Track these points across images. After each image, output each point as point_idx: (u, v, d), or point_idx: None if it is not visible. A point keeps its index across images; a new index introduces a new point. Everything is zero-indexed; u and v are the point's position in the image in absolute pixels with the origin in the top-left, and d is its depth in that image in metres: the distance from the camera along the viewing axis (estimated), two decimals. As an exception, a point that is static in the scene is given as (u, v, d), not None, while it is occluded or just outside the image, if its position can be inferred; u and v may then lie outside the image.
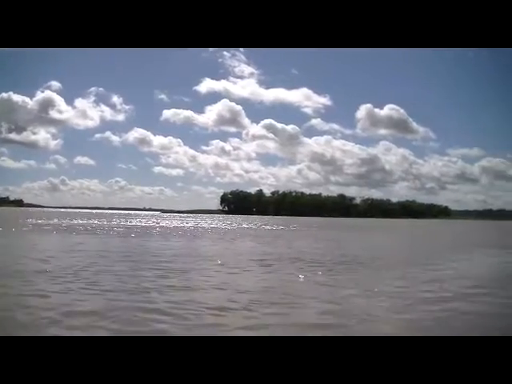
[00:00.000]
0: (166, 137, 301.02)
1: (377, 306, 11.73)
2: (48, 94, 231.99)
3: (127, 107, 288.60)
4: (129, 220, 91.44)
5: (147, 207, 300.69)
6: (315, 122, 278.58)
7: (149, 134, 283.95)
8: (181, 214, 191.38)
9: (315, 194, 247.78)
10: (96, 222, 73.69)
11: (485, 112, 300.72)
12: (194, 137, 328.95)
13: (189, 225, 73.16)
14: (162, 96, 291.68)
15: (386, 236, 56.28)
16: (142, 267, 17.68)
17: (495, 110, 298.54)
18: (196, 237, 41.29)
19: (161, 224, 72.94)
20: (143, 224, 71.11)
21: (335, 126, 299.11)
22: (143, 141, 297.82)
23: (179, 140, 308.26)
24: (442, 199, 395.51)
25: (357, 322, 9.77)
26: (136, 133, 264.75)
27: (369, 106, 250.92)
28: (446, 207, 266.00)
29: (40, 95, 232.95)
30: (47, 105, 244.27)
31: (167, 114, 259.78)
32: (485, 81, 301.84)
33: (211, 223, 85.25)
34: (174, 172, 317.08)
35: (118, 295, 12.02)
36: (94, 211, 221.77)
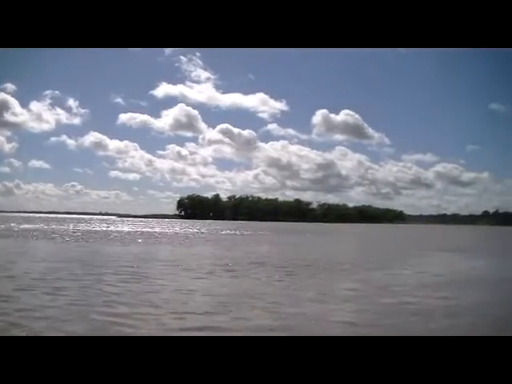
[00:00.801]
0: (122, 141, 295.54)
1: (334, 308, 12.10)
2: (2, 96, 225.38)
3: (83, 111, 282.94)
4: (86, 224, 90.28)
5: (103, 212, 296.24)
6: (271, 127, 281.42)
7: (105, 138, 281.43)
8: (138, 219, 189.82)
9: (272, 199, 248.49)
10: (53, 226, 72.49)
11: (438, 118, 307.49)
12: (151, 141, 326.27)
13: (147, 229, 72.61)
14: (119, 100, 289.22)
15: (343, 241, 56.96)
16: (104, 272, 17.76)
17: (449, 115, 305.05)
18: (155, 242, 41.15)
19: (118, 229, 72.28)
20: (101, 229, 70.37)
21: (291, 131, 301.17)
22: (99, 145, 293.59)
23: (135, 144, 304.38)
24: (397, 204, 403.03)
25: (313, 324, 10.15)
26: (92, 137, 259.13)
27: (324, 111, 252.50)
28: (401, 212, 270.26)
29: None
30: (1, 107, 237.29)
31: (123, 117, 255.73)
32: (439, 86, 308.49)
33: (169, 228, 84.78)
34: (131, 176, 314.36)
35: (79, 300, 12.06)
36: (50, 215, 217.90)
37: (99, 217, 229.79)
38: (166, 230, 71.71)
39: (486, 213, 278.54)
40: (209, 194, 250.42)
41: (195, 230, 74.63)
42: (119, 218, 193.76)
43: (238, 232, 71.41)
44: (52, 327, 9.15)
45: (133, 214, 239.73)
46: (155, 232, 64.00)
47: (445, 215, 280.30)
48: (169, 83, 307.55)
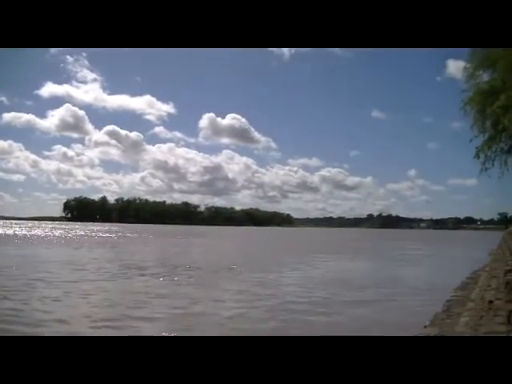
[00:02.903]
0: (5, 141, 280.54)
1: (223, 307, 13.37)
2: None
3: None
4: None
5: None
6: (158, 129, 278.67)
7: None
8: (23, 221, 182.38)
9: (159, 202, 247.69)
10: None
11: (323, 123, 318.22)
12: (36, 141, 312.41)
13: (33, 232, 70.73)
14: (2, 98, 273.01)
15: (233, 244, 58.24)
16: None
17: (333, 121, 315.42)
18: (38, 244, 41.06)
19: (5, 232, 70.08)
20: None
21: (178, 134, 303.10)
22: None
23: (20, 144, 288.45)
24: (284, 207, 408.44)
25: (207, 322, 11.31)
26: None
27: (211, 114, 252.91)
28: (289, 215, 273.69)
29: None
30: None
31: (7, 117, 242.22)
32: (324, 93, 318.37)
33: (57, 230, 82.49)
34: (15, 177, 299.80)
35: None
36: None
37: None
38: (54, 233, 70.12)
39: (370, 216, 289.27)
40: (96, 197, 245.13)
41: (83, 233, 73.68)
42: (3, 221, 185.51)
43: (131, 235, 71.09)
44: None
45: (18, 216, 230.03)
46: (45, 235, 62.73)
47: (331, 218, 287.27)
48: (54, 83, 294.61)
